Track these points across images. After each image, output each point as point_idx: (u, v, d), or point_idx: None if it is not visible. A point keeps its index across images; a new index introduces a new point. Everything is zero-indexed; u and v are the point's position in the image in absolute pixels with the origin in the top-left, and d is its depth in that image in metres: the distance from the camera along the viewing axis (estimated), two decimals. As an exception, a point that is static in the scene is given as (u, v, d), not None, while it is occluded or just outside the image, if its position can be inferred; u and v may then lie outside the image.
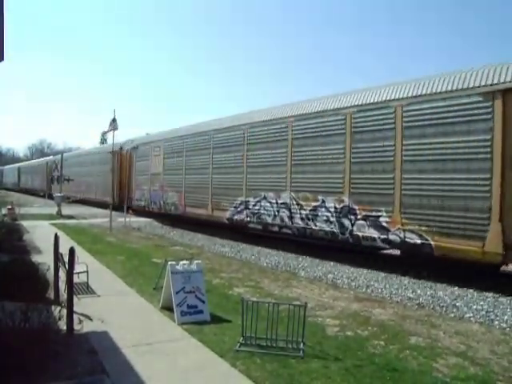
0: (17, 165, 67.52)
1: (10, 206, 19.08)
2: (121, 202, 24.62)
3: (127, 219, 19.35)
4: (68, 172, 35.85)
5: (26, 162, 66.55)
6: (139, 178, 22.98)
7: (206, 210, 16.50)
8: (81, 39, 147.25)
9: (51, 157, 47.70)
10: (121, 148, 26.08)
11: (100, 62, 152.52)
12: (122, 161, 26.01)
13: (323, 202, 11.26)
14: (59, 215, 22.90)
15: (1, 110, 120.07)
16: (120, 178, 25.80)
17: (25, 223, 16.76)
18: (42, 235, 13.71)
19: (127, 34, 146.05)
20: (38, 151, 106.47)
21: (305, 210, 11.83)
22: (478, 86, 8.13)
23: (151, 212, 21.92)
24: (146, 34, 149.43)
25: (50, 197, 32.66)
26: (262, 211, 13.39)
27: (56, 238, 6.80)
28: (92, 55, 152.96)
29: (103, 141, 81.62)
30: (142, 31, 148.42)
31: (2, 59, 5.62)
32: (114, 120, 17.63)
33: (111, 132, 18.32)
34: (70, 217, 22.73)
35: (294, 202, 12.18)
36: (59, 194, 24.96)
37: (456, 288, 8.41)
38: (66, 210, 25.10)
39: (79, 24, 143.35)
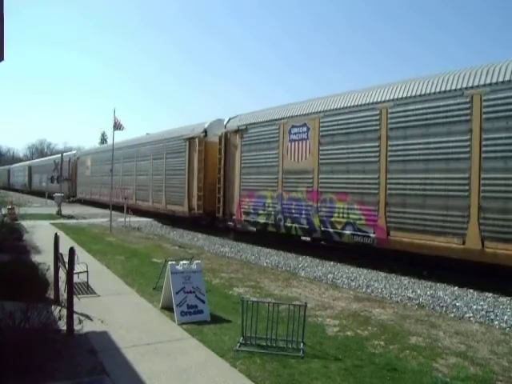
0: (27, 163, 59.47)
1: (10, 206, 19.06)
2: (208, 215, 17.31)
3: (127, 219, 19.33)
4: (102, 170, 28.74)
5: (39, 160, 57.72)
6: (250, 177, 14.57)
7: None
8: (81, 38, 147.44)
9: (73, 151, 41.57)
10: (205, 132, 17.37)
11: (100, 61, 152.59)
12: (207, 152, 17.30)
13: None
14: (59, 215, 22.90)
15: (1, 110, 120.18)
16: (205, 178, 17.25)
17: (25, 223, 16.74)
18: (42, 235, 13.71)
19: (127, 33, 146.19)
20: (38, 151, 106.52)
21: None
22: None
23: (289, 236, 13.39)
24: (146, 32, 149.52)
25: (50, 197, 31.80)
26: None
27: (56, 237, 6.80)
28: (92, 54, 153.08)
29: (103, 141, 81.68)
30: (141, 30, 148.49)
31: (2, 59, 5.62)
32: (118, 125, 17.20)
33: (112, 132, 18.17)
34: (70, 217, 22.72)
35: None
36: (59, 194, 24.94)
37: (456, 288, 8.42)
38: (66, 209, 25.10)
39: (79, 23, 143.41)
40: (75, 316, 5.42)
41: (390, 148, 10.01)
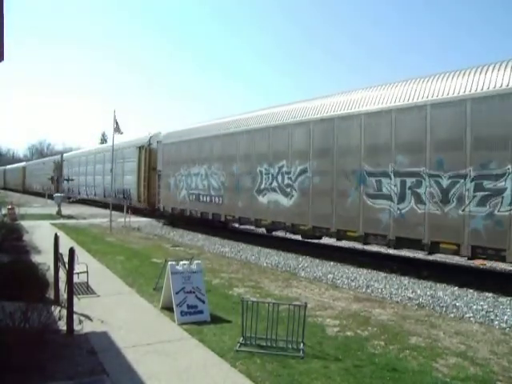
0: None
1: (10, 206, 19.07)
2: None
3: (127, 219, 19.34)
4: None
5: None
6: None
7: None
8: (81, 38, 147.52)
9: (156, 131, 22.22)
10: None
11: (100, 61, 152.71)
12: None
13: None
14: (59, 215, 22.90)
15: (1, 110, 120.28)
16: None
17: (25, 223, 16.75)
18: (41, 235, 13.71)
19: (127, 33, 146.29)
20: (38, 151, 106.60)
21: None
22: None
23: None
24: (146, 32, 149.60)
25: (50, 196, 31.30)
26: None
27: (56, 238, 6.80)
28: (91, 54, 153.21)
29: (103, 141, 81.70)
30: (141, 30, 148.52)
31: (2, 59, 5.62)
32: (117, 127, 17.28)
33: (114, 133, 17.98)
34: (70, 217, 22.73)
35: None
36: (59, 194, 24.92)
37: (456, 288, 8.42)
38: (66, 209, 25.10)
39: (79, 22, 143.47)
40: (75, 316, 5.42)
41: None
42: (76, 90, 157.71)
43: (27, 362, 4.06)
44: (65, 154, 43.91)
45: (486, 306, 7.20)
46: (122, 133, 17.60)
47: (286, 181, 12.88)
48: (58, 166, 39.83)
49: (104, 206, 27.23)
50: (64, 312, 5.23)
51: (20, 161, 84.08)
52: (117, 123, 17.31)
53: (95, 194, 29.49)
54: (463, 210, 8.63)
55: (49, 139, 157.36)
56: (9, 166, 72.62)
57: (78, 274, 7.16)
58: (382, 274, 9.72)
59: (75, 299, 5.88)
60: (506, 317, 6.67)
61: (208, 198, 16.62)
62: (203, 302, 6.17)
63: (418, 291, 8.24)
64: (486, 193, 8.29)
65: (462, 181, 8.66)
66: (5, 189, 64.20)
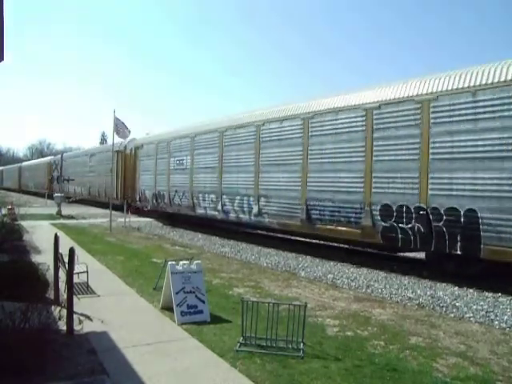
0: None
1: (10, 206, 19.06)
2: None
3: (127, 219, 19.34)
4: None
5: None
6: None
7: None
8: (80, 37, 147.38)
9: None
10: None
11: (100, 61, 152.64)
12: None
13: None
14: (59, 215, 22.89)
15: (1, 109, 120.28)
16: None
17: (25, 223, 16.72)
18: (41, 235, 13.71)
19: (127, 32, 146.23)
20: (38, 151, 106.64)
21: None
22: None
23: None
24: (147, 33, 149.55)
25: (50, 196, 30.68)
26: None
27: (56, 238, 6.79)
28: (92, 53, 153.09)
29: (103, 141, 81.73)
30: (141, 29, 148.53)
31: (2, 59, 5.62)
32: (117, 130, 17.23)
33: (114, 133, 17.58)
34: (70, 217, 22.72)
35: None
36: (59, 194, 24.90)
37: (456, 288, 8.42)
38: (66, 210, 25.09)
39: (79, 21, 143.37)
40: (75, 316, 5.42)
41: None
42: (76, 90, 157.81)
43: (27, 362, 4.06)
44: (129, 138, 28.26)
45: (485, 306, 7.20)
46: (129, 133, 17.49)
47: None
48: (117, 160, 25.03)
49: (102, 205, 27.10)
50: (64, 312, 5.22)
51: (20, 160, 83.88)
52: (122, 123, 17.16)
53: (231, 211, 14.96)
54: None
55: (49, 139, 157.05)
56: (25, 163, 61.50)
57: (78, 273, 7.17)
58: (382, 274, 9.72)
59: (75, 299, 5.88)
60: (506, 317, 6.67)
61: None
62: (203, 302, 6.18)
63: (418, 291, 8.24)
64: None
65: None
66: (21, 191, 52.51)
